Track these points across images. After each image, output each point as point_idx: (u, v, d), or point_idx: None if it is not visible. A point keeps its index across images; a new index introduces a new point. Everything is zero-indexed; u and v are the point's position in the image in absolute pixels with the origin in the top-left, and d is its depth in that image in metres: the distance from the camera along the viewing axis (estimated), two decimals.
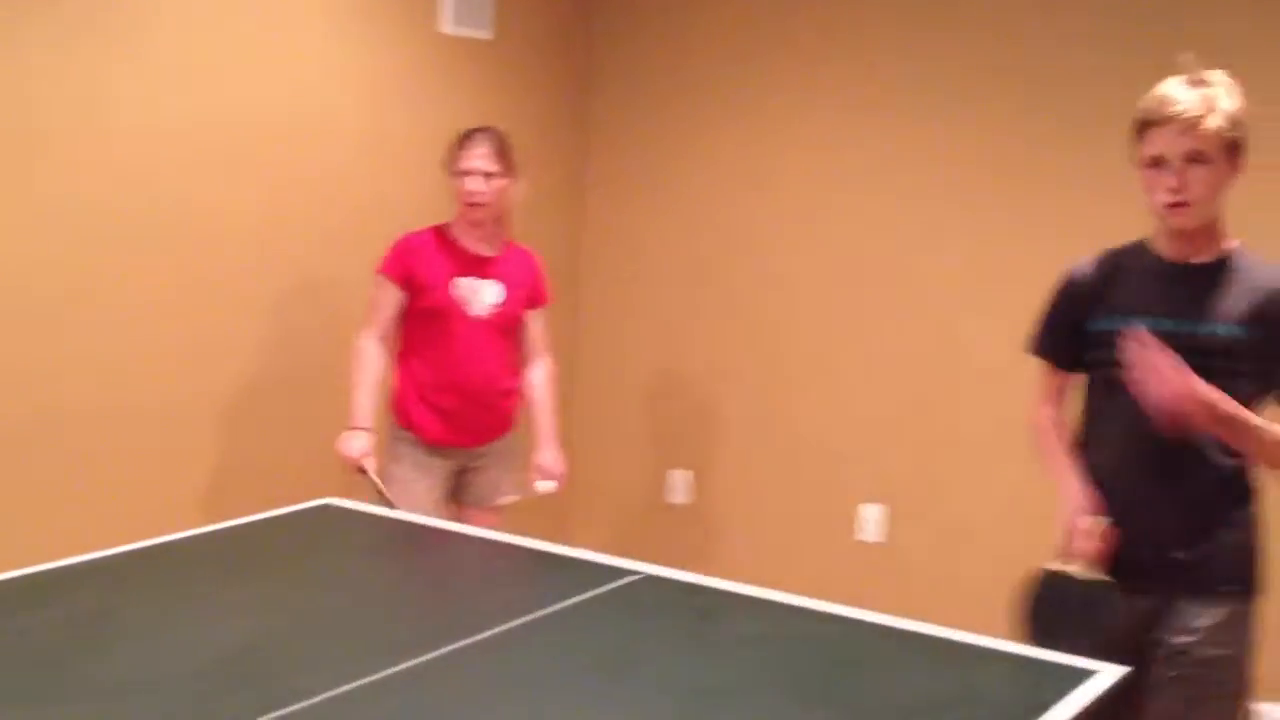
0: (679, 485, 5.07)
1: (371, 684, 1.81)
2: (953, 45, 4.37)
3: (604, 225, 5.21)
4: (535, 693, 1.80)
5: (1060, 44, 4.16)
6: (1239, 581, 2.38)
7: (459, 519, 3.60)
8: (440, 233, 3.55)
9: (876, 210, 4.56)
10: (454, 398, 3.51)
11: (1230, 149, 2.27)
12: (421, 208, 3.88)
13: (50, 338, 3.40)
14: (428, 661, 1.90)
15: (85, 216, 3.45)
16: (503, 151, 3.51)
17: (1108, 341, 2.39)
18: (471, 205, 3.47)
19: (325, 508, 2.84)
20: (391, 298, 3.49)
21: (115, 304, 3.53)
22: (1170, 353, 2.20)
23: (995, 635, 2.00)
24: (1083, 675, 1.93)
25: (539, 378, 3.71)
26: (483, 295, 3.51)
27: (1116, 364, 2.34)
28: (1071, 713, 1.79)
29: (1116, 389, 2.36)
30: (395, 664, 1.88)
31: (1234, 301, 2.31)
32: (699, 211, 4.96)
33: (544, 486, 3.66)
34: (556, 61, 4.98)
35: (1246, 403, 2.27)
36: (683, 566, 4.90)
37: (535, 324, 3.69)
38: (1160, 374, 2.19)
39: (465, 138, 3.51)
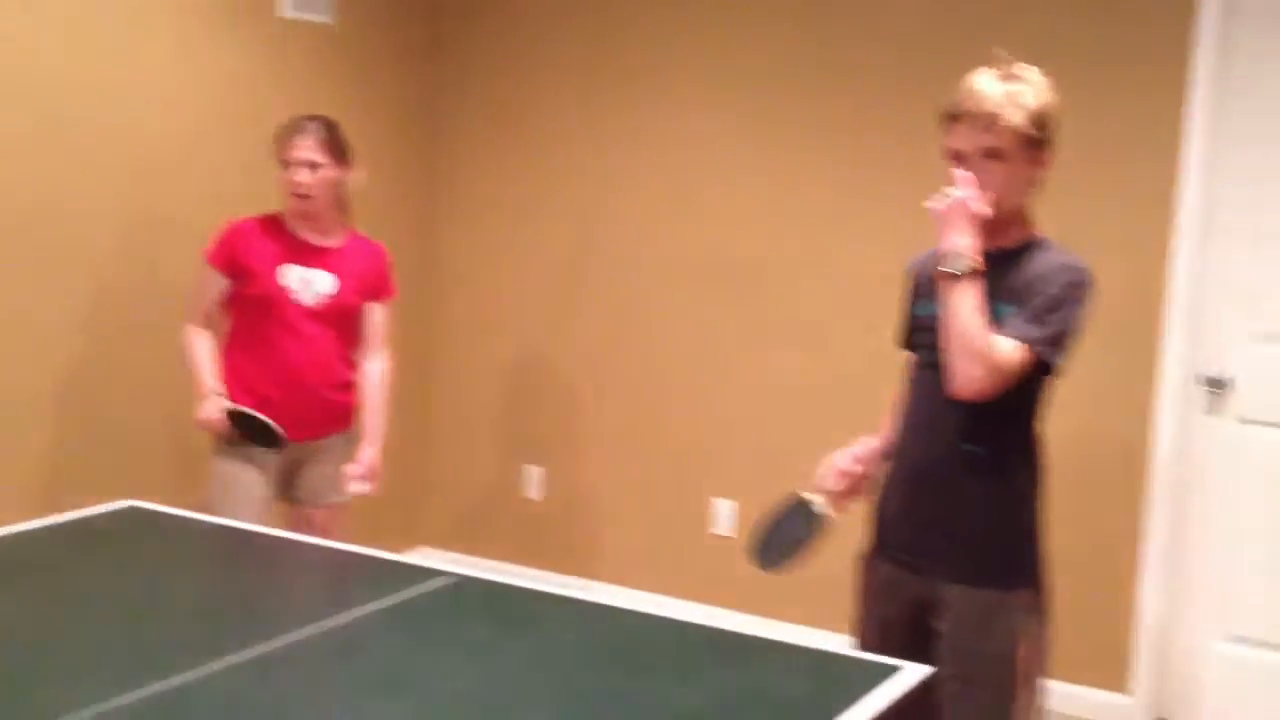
0: (533, 481, 4.99)
1: (116, 709, 1.68)
2: (806, 40, 4.35)
3: (459, 216, 5.10)
4: (299, 714, 1.70)
5: (914, 38, 4.16)
6: (1000, 571, 2.34)
7: (294, 518, 3.54)
8: (271, 220, 3.45)
9: (736, 204, 4.52)
10: (281, 389, 3.39)
11: (1030, 145, 2.25)
12: (260, 197, 3.70)
13: None
14: (190, 680, 1.79)
15: None
16: (331, 141, 3.41)
17: (916, 326, 2.44)
18: (298, 197, 3.38)
19: (130, 510, 2.71)
20: (214, 285, 3.41)
21: None
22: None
23: (839, 627, 1.96)
24: (884, 672, 1.90)
25: (372, 373, 3.60)
26: (313, 284, 3.41)
27: (919, 347, 2.41)
28: (869, 715, 1.75)
29: (916, 372, 2.43)
30: (153, 682, 1.76)
31: (1012, 284, 2.29)
32: (556, 202, 4.87)
33: (356, 488, 3.49)
34: (402, 46, 4.85)
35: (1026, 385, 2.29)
36: (536, 563, 4.96)
37: (375, 317, 3.59)
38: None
39: (291, 127, 3.41)
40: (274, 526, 3.34)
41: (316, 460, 3.52)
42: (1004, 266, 2.30)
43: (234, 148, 4.11)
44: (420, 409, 5.16)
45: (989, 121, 2.21)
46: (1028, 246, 2.34)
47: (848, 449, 2.49)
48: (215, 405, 3.34)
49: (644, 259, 4.70)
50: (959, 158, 2.27)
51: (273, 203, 3.57)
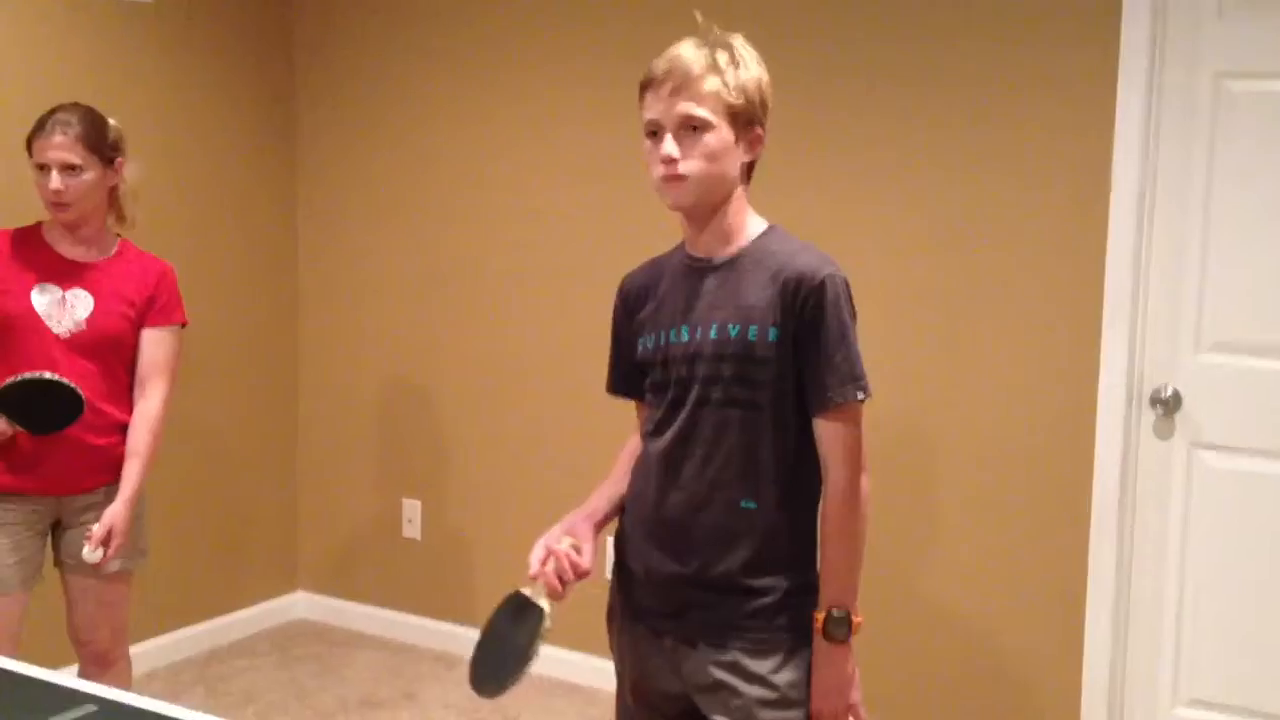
0: (411, 515, 4.44)
1: None
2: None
3: (319, 231, 4.57)
4: None
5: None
6: (769, 643, 1.96)
7: (68, 587, 3.00)
8: (30, 233, 2.94)
9: (601, 207, 3.97)
10: (30, 437, 2.84)
11: (736, 118, 1.92)
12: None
13: None
14: None
15: None
16: (92, 137, 2.86)
17: (652, 362, 2.04)
18: (55, 205, 2.85)
19: None
20: None
21: None
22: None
23: None
24: None
25: (138, 413, 2.98)
26: (69, 309, 2.88)
27: (660, 387, 2.03)
28: None
29: (662, 417, 2.02)
30: None
31: (759, 295, 1.93)
32: (420, 211, 4.34)
33: (89, 555, 2.83)
34: (244, 31, 4.31)
35: (778, 417, 1.94)
36: (415, 606, 4.43)
37: (150, 347, 2.98)
38: None
39: (41, 124, 2.86)
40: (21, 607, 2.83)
41: (83, 520, 2.93)
42: (727, 277, 1.97)
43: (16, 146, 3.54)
44: (286, 440, 4.63)
45: (684, 85, 1.89)
46: (754, 244, 1.99)
47: (561, 525, 2.05)
48: None
49: (517, 265, 4.16)
50: (655, 131, 1.93)
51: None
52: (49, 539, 2.97)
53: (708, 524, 1.95)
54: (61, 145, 2.81)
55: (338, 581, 4.65)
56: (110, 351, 2.92)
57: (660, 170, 1.92)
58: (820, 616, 1.92)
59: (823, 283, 1.89)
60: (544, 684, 4.03)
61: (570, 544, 1.97)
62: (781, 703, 1.92)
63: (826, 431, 1.92)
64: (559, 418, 4.10)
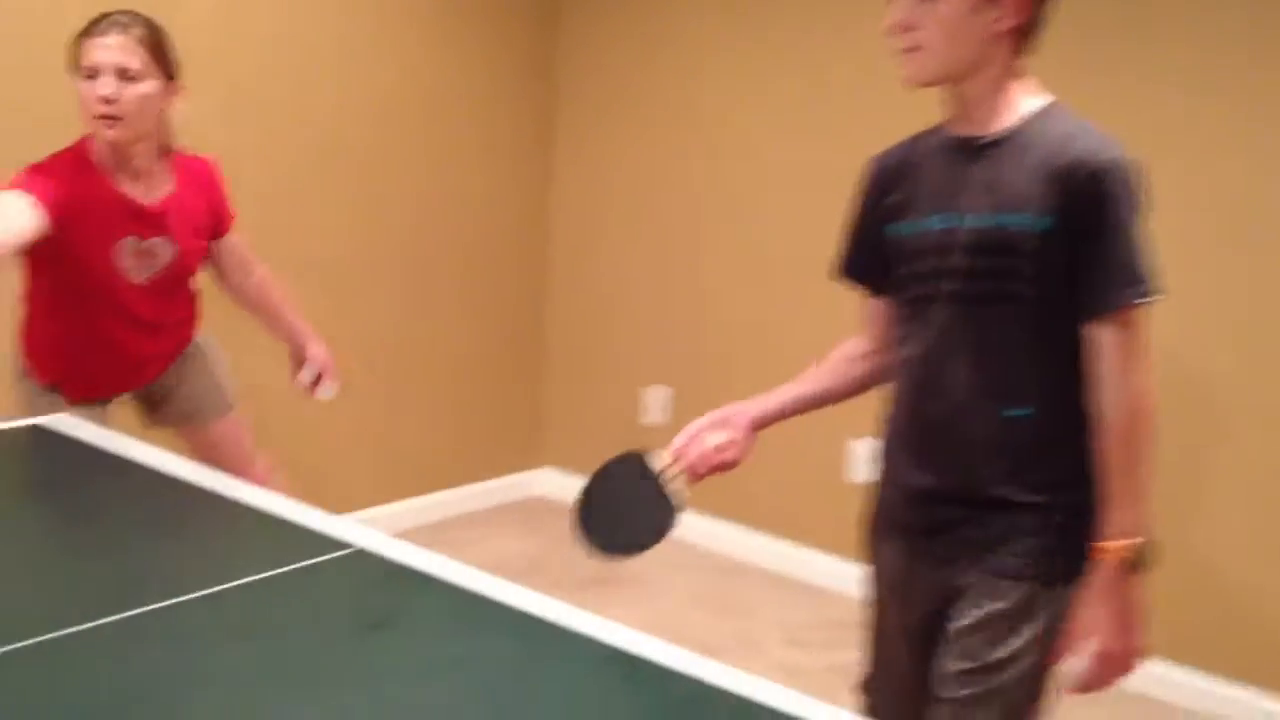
0: (654, 403, 4.41)
1: None
2: None
3: (576, 131, 4.55)
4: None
5: None
6: (1035, 564, 1.77)
7: (198, 443, 2.88)
8: (82, 168, 2.47)
9: (850, 119, 3.77)
10: (100, 360, 2.66)
11: None
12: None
13: None
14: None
15: None
16: (155, 42, 2.46)
17: (903, 253, 1.84)
18: (103, 118, 2.39)
19: (35, 430, 2.26)
20: (28, 219, 2.29)
21: None
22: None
23: None
24: None
25: (263, 281, 2.88)
26: (151, 258, 2.60)
27: (908, 280, 1.83)
28: None
29: (912, 316, 1.84)
30: None
31: (1029, 181, 1.70)
32: (675, 112, 4.25)
33: (325, 392, 2.90)
34: None
35: (1046, 319, 1.73)
36: None
37: (228, 250, 2.82)
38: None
39: (90, 25, 2.42)
40: None
41: (181, 382, 2.83)
42: (997, 160, 1.74)
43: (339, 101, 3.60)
44: (537, 331, 4.66)
45: None
46: (1026, 123, 1.74)
47: (720, 413, 1.94)
48: None
49: (774, 163, 4.01)
50: None
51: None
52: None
53: (968, 435, 1.77)
54: (119, 46, 2.38)
55: (582, 461, 4.68)
56: (189, 277, 2.74)
57: (897, 42, 1.73)
58: (1114, 546, 1.70)
59: (1105, 167, 1.66)
60: (782, 582, 3.97)
61: (721, 438, 1.88)
62: (1042, 632, 1.76)
63: (1105, 338, 1.68)
64: (809, 305, 3.97)
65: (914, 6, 1.70)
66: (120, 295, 2.56)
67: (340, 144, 3.94)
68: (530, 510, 4.63)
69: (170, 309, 2.72)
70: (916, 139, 1.88)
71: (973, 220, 1.73)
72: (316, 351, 2.91)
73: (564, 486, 4.72)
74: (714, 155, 4.18)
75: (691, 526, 4.21)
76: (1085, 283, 1.68)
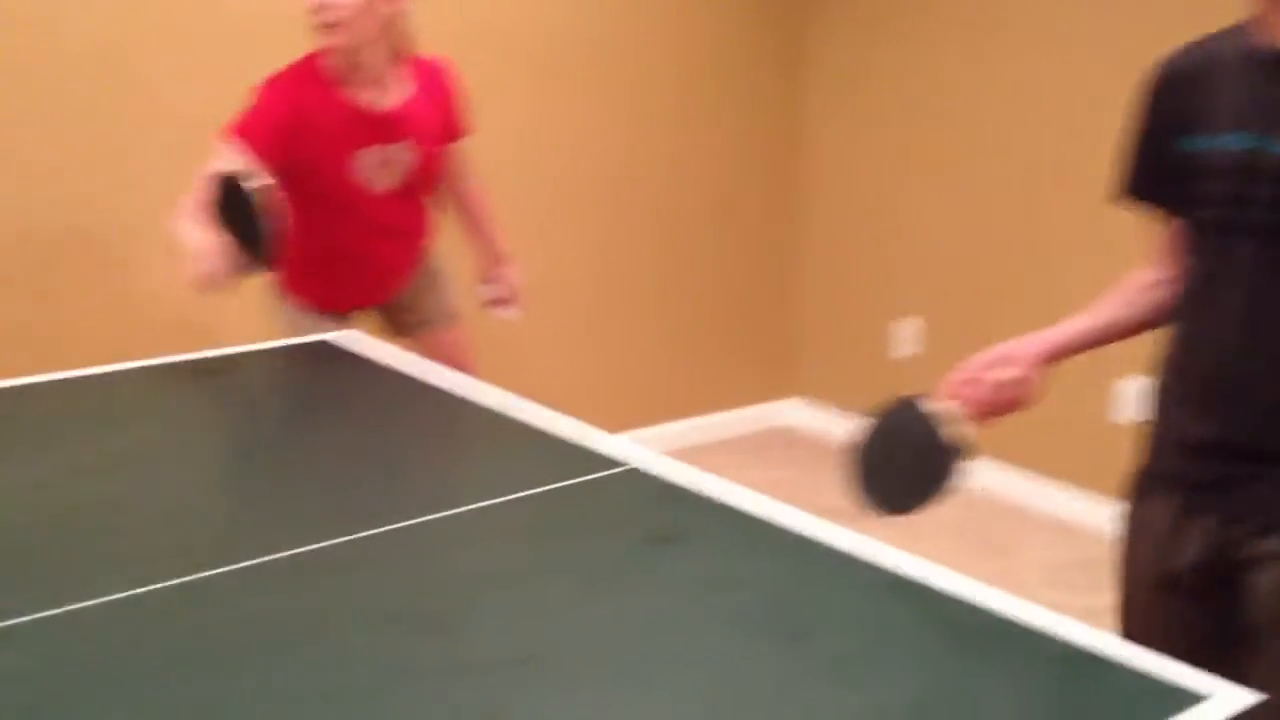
0: (907, 336, 4.32)
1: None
2: None
3: (830, 50, 4.43)
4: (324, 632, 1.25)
5: None
6: None
7: (428, 348, 2.87)
8: (312, 83, 2.50)
9: (1126, 24, 3.54)
10: (350, 273, 2.75)
11: None
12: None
13: None
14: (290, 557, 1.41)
15: None
16: None
17: (1196, 172, 1.60)
18: (325, 27, 2.43)
19: (321, 345, 2.36)
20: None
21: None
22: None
23: None
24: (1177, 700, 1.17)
25: (472, 192, 2.92)
26: (391, 165, 2.62)
27: (1204, 203, 1.60)
28: None
29: (1204, 246, 1.62)
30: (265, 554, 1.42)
31: None
32: (936, 22, 4.09)
33: (505, 314, 2.97)
34: None
35: None
36: None
37: (458, 153, 2.85)
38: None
39: None
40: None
41: (413, 296, 2.91)
42: None
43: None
44: (787, 263, 4.62)
45: None
46: None
47: (1002, 349, 1.75)
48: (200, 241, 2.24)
49: (1039, 95, 3.81)
50: None
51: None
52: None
53: (1263, 384, 1.58)
54: None
55: (833, 392, 4.63)
56: (430, 183, 2.76)
57: None
58: None
59: None
60: (1044, 521, 3.84)
61: (1006, 375, 1.70)
62: None
63: None
64: (1079, 231, 3.79)
65: None
66: (364, 206, 2.59)
67: (602, 79, 3.96)
68: (779, 440, 4.62)
69: (412, 216, 2.75)
70: (1209, 41, 1.65)
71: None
72: (507, 272, 2.94)
73: (814, 418, 4.68)
74: (976, 63, 4.00)
75: None
76: None
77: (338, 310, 2.75)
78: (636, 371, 4.32)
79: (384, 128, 2.55)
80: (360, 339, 2.39)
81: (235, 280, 2.22)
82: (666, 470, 1.75)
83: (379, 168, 2.57)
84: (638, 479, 1.73)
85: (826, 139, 4.51)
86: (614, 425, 4.11)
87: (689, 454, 4.31)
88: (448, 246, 2.98)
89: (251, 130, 2.40)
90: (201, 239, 2.18)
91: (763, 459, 4.41)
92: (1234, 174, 1.55)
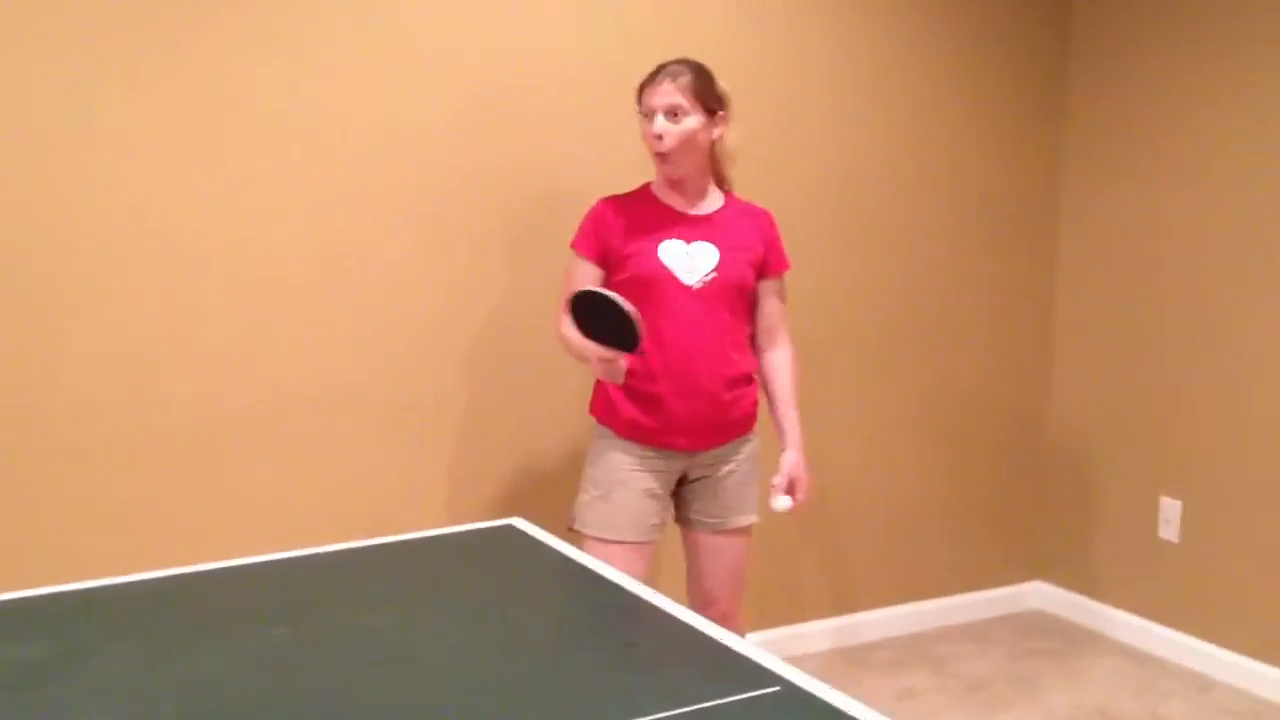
0: (1169, 515, 3.96)
1: None
2: None
3: (1081, 202, 4.21)
4: None
5: None
6: None
7: (688, 543, 3.00)
8: (637, 195, 2.95)
9: None
10: (666, 385, 2.82)
11: None
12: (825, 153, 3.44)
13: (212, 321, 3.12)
14: None
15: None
16: (698, 87, 2.82)
17: None
18: (658, 154, 2.84)
19: (507, 530, 2.33)
20: (586, 275, 2.88)
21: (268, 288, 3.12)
22: None
23: None
24: None
25: (777, 363, 3.01)
26: (694, 260, 2.85)
27: None
28: None
29: None
30: None
31: None
32: (1190, 171, 3.82)
33: (781, 504, 2.87)
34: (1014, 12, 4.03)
35: None
36: (1166, 616, 3.95)
37: (769, 298, 2.99)
38: None
39: (652, 73, 2.87)
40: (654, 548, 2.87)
41: (712, 476, 2.93)
42: None
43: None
44: (1035, 423, 4.35)
45: None
46: None
47: None
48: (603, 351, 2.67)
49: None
50: None
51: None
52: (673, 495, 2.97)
53: None
54: (668, 91, 2.79)
55: (1081, 577, 4.30)
56: (738, 299, 2.89)
57: None
58: None
59: None
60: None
61: None
62: None
63: None
64: None
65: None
66: (677, 295, 2.80)
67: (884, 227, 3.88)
68: (1023, 626, 4.29)
69: (723, 330, 2.85)
70: None
71: None
72: (788, 459, 2.93)
73: (1062, 603, 4.35)
74: (1240, 216, 3.71)
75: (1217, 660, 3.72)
76: None
77: (649, 440, 2.85)
78: (878, 550, 4.13)
79: (690, 224, 2.87)
80: (532, 530, 2.36)
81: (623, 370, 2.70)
82: (821, 692, 1.60)
83: (683, 257, 2.83)
84: (782, 703, 1.59)
85: (1080, 289, 4.26)
86: (855, 605, 3.97)
87: (936, 637, 4.08)
88: (767, 448, 3.00)
89: (583, 236, 2.89)
90: (594, 346, 2.64)
91: (1015, 648, 4.10)
92: None
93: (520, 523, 2.41)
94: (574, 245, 2.92)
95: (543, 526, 2.38)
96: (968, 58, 4.03)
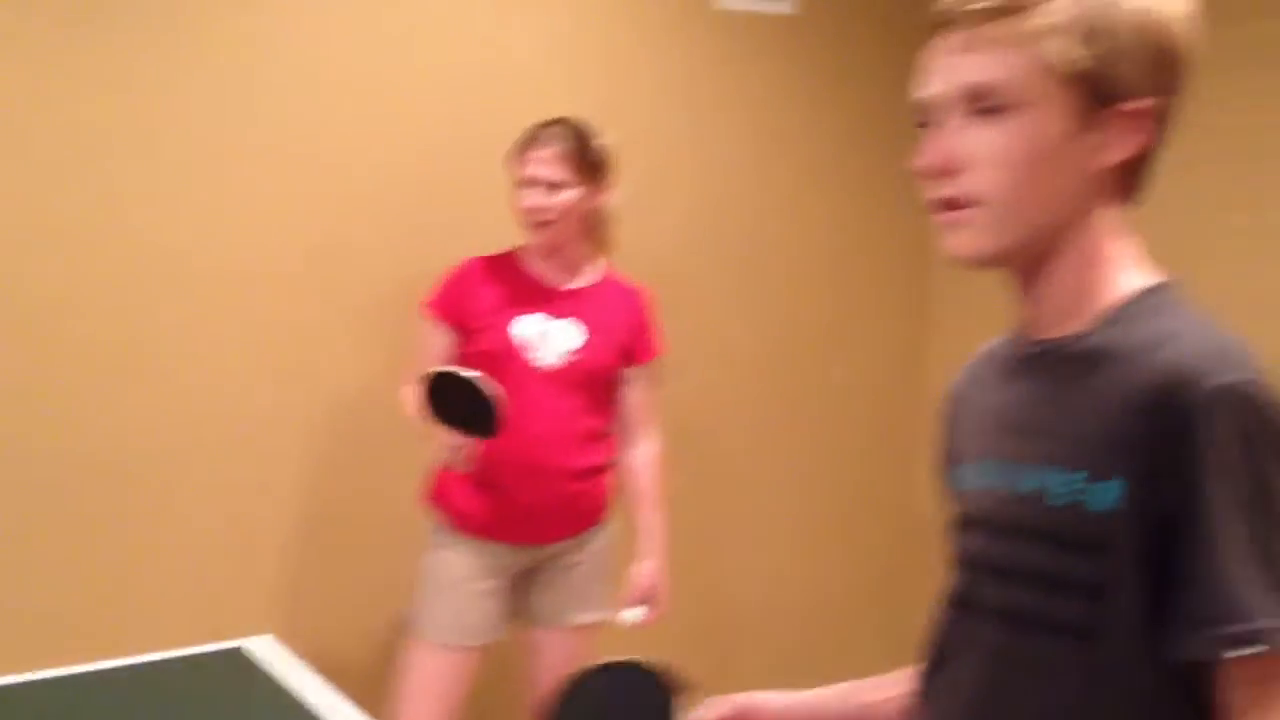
0: None
1: None
2: None
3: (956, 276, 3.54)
4: None
5: None
6: None
7: (528, 643, 2.78)
8: (505, 259, 2.72)
9: None
10: (514, 473, 2.60)
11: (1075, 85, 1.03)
12: (685, 216, 3.15)
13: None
14: None
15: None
16: (578, 155, 2.62)
17: (957, 511, 1.21)
18: (534, 225, 2.62)
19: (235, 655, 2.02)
20: (437, 342, 2.66)
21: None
22: None
23: None
24: None
25: (639, 460, 2.77)
26: (554, 339, 2.64)
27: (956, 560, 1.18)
28: None
29: (953, 621, 1.17)
30: None
31: (1098, 420, 1.03)
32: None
33: (629, 617, 2.65)
34: (890, 40, 3.46)
35: (1126, 665, 1.01)
36: None
37: (635, 387, 2.76)
38: None
39: (527, 137, 2.64)
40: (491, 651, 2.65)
41: (558, 568, 2.71)
42: (1059, 379, 1.09)
43: (667, 164, 3.21)
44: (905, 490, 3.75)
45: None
46: (1129, 310, 1.07)
47: (742, 700, 1.32)
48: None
49: None
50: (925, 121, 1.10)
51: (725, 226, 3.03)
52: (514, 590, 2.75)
53: None
54: (544, 160, 2.58)
55: None
56: (598, 385, 2.68)
57: (935, 190, 1.08)
58: None
59: (1207, 400, 0.97)
60: None
61: None
62: None
63: (1232, 698, 0.97)
64: None
65: (960, 133, 1.06)
66: (521, 375, 2.55)
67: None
68: None
69: (577, 417, 2.62)
70: (995, 346, 1.26)
71: (1021, 482, 1.08)
72: (642, 568, 2.70)
73: None
74: None
75: None
76: (1175, 601, 0.98)
77: (487, 534, 2.62)
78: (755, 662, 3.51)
79: (556, 299, 2.64)
80: (277, 650, 2.07)
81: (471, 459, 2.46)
82: None
83: (539, 337, 2.59)
84: None
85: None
86: None
87: None
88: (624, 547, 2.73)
89: (438, 299, 2.64)
90: (444, 433, 2.42)
91: None
92: (976, 528, 1.16)
93: (262, 643, 2.05)
94: (427, 307, 2.67)
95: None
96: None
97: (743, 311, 3.39)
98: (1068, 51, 1.01)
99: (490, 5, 2.92)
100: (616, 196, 2.67)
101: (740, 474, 3.43)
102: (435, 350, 2.62)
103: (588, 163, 2.62)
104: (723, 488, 3.41)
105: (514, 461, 2.56)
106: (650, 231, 3.16)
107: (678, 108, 3.20)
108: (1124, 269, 1.08)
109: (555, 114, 2.64)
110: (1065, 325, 1.09)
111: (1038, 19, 1.01)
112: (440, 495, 2.66)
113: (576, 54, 3.07)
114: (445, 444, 2.43)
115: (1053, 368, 1.09)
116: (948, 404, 1.28)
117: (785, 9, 3.22)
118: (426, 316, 2.66)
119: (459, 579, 2.59)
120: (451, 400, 2.39)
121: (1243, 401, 0.96)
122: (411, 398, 2.53)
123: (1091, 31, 1.01)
